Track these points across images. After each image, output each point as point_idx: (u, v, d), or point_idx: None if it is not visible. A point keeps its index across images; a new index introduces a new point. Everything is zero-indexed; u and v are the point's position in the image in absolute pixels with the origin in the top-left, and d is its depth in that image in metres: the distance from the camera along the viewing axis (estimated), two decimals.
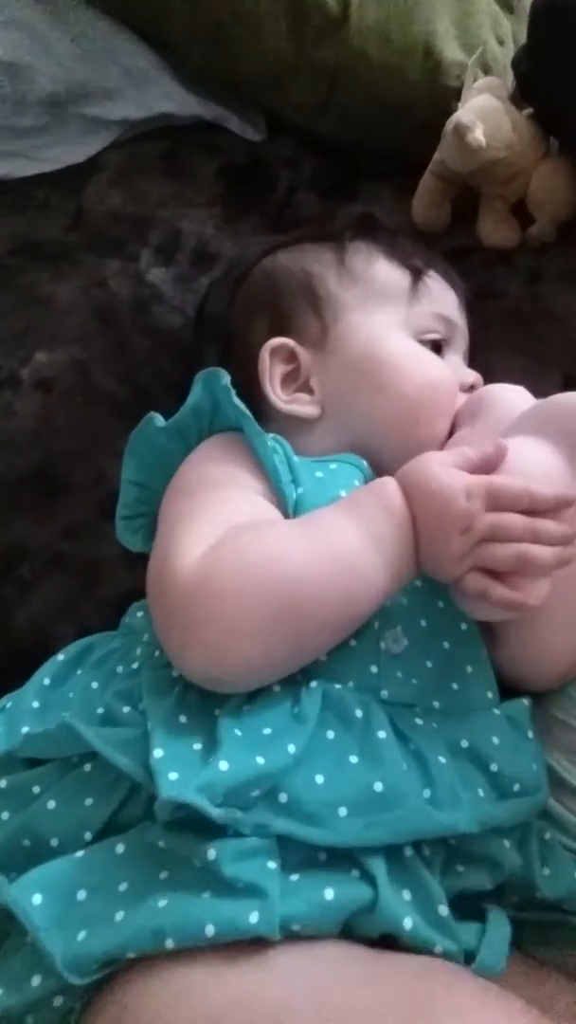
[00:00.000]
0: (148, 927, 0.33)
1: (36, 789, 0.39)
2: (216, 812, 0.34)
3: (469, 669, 0.44)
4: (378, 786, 0.37)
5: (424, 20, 0.64)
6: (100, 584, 0.58)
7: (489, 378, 0.61)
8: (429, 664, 0.43)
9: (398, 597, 0.43)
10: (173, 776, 0.34)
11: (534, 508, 0.39)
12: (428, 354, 0.52)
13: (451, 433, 0.51)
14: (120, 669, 0.44)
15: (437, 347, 0.53)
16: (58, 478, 0.61)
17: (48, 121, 0.73)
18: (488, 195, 0.66)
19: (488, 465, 0.41)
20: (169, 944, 0.32)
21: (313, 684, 0.40)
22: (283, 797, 0.36)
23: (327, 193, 0.71)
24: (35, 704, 0.44)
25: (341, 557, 0.39)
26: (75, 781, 0.38)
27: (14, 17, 0.68)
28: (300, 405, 0.51)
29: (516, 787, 0.41)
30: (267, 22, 0.64)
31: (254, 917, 0.32)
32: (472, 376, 0.53)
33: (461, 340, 0.55)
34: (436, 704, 0.43)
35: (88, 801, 0.38)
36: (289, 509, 0.43)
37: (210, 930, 0.32)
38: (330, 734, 0.38)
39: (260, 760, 0.35)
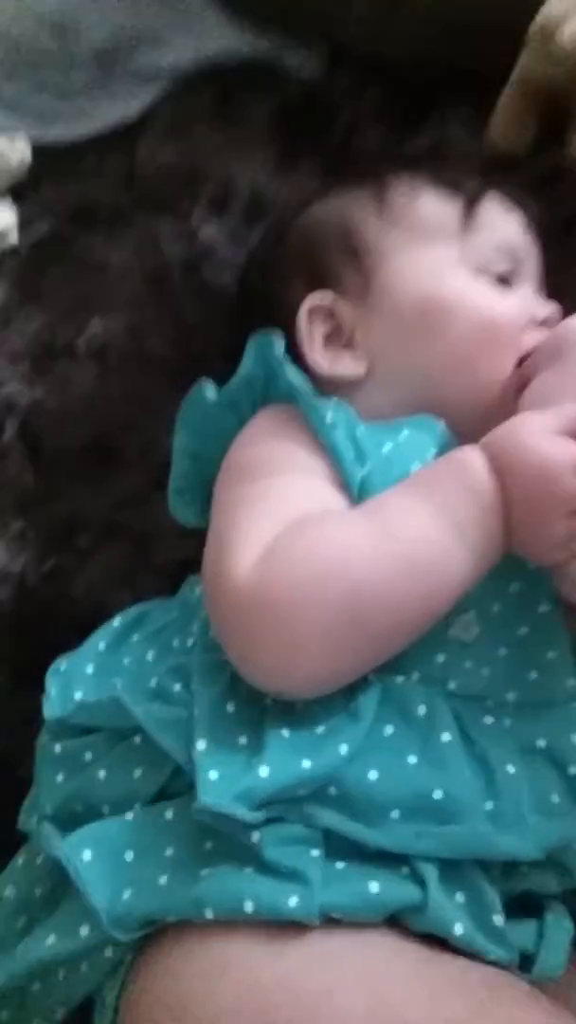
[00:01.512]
0: (189, 895, 0.33)
1: (88, 756, 0.40)
2: (253, 816, 0.33)
3: (550, 655, 0.40)
4: (437, 794, 0.35)
5: None
6: (155, 553, 0.57)
7: None
8: (503, 652, 0.40)
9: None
10: (214, 775, 0.34)
11: None
12: (487, 289, 0.47)
13: (526, 377, 0.45)
14: (176, 643, 0.43)
15: (503, 281, 0.48)
16: (113, 448, 0.61)
17: (99, 77, 0.70)
18: None
19: None
20: (208, 914, 0.33)
21: (371, 677, 0.37)
22: (332, 790, 0.35)
23: (393, 124, 0.65)
24: (89, 669, 0.44)
25: (415, 552, 0.35)
26: (125, 752, 0.38)
27: None
28: (345, 364, 0.47)
29: None
30: None
31: (293, 901, 0.32)
32: (547, 308, 0.47)
33: (531, 269, 0.49)
34: (511, 696, 0.39)
35: (137, 773, 0.38)
36: (354, 492, 0.40)
37: (249, 906, 0.32)
38: (388, 730, 0.36)
39: (306, 764, 0.34)
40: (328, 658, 0.35)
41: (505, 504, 0.35)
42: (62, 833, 0.36)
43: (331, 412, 0.42)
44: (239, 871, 0.33)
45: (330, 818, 0.34)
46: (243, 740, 0.35)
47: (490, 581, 0.38)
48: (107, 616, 0.50)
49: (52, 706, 0.41)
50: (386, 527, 0.36)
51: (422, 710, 0.37)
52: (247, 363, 0.44)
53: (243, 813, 0.33)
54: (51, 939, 0.35)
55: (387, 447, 0.41)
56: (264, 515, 0.38)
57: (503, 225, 0.48)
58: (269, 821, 0.34)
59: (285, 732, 0.35)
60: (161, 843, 0.35)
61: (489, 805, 0.35)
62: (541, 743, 0.38)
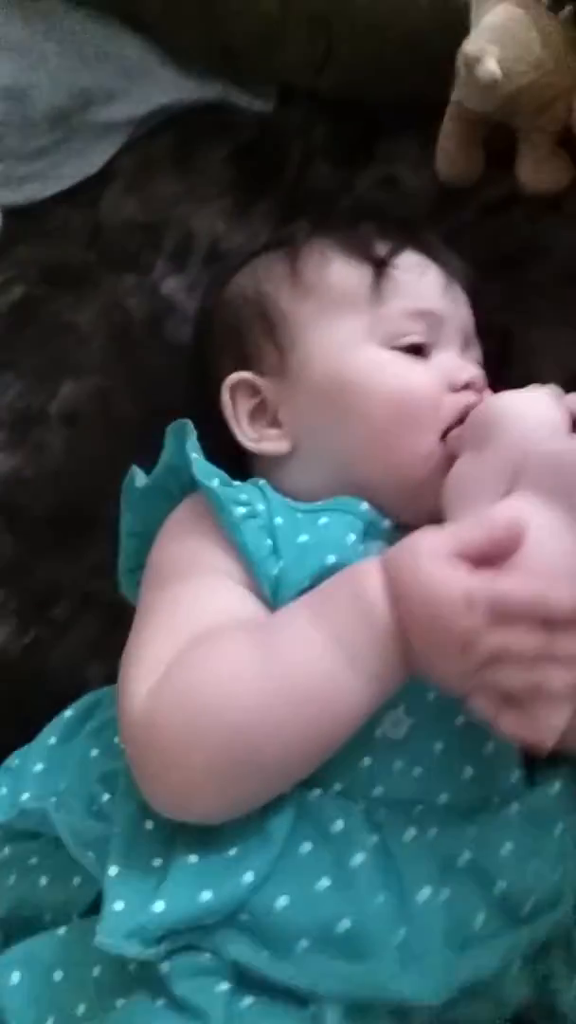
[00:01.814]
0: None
1: (33, 860, 0.41)
2: (148, 954, 0.32)
3: (489, 747, 0.38)
4: (345, 923, 0.33)
5: None
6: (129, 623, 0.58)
7: (532, 358, 0.52)
8: (439, 747, 0.38)
9: None
10: (119, 906, 0.33)
11: (551, 620, 0.31)
12: (398, 362, 0.44)
13: (453, 450, 0.44)
14: (116, 740, 0.42)
15: (417, 349, 0.45)
16: (86, 516, 0.62)
17: (58, 137, 0.71)
18: (524, 130, 0.55)
19: (498, 552, 0.32)
20: None
21: (287, 793, 0.35)
22: (244, 916, 0.33)
23: (342, 160, 0.63)
24: (39, 767, 0.45)
25: (305, 685, 0.33)
26: (65, 859, 0.38)
27: (7, 40, 0.66)
28: (269, 442, 0.46)
29: (528, 906, 0.36)
30: None
31: None
32: (468, 373, 0.45)
33: (454, 329, 0.47)
34: (443, 798, 0.37)
35: (76, 881, 0.38)
36: (267, 591, 0.39)
37: None
38: (305, 847, 0.35)
39: (206, 896, 0.33)
40: (221, 795, 0.34)
41: (402, 631, 0.32)
42: (5, 944, 0.37)
43: (243, 506, 0.40)
44: (151, 1004, 0.32)
45: (238, 950, 0.33)
46: (157, 863, 0.34)
47: None
48: (84, 688, 0.51)
49: (1, 808, 0.42)
50: (274, 654, 0.34)
51: (339, 826, 0.35)
52: (167, 451, 0.44)
53: (137, 952, 0.32)
54: None
55: (303, 538, 0.40)
56: (166, 631, 0.37)
57: (417, 288, 0.46)
58: (184, 948, 0.33)
59: (193, 857, 0.34)
60: (89, 962, 0.34)
61: (401, 933, 0.33)
62: (466, 857, 0.35)
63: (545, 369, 0.54)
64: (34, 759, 0.45)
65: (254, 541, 0.39)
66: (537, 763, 0.40)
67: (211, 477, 0.42)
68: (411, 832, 0.36)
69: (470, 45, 0.49)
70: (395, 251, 0.46)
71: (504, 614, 0.31)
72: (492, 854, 0.36)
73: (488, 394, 0.45)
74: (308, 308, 0.46)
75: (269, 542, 0.40)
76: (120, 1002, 0.33)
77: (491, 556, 0.32)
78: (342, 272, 0.46)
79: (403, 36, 0.56)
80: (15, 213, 0.72)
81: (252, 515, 0.41)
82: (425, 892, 0.34)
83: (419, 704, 0.38)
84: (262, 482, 0.44)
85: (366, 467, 0.43)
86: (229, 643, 0.36)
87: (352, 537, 0.41)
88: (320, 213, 0.56)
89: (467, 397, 0.43)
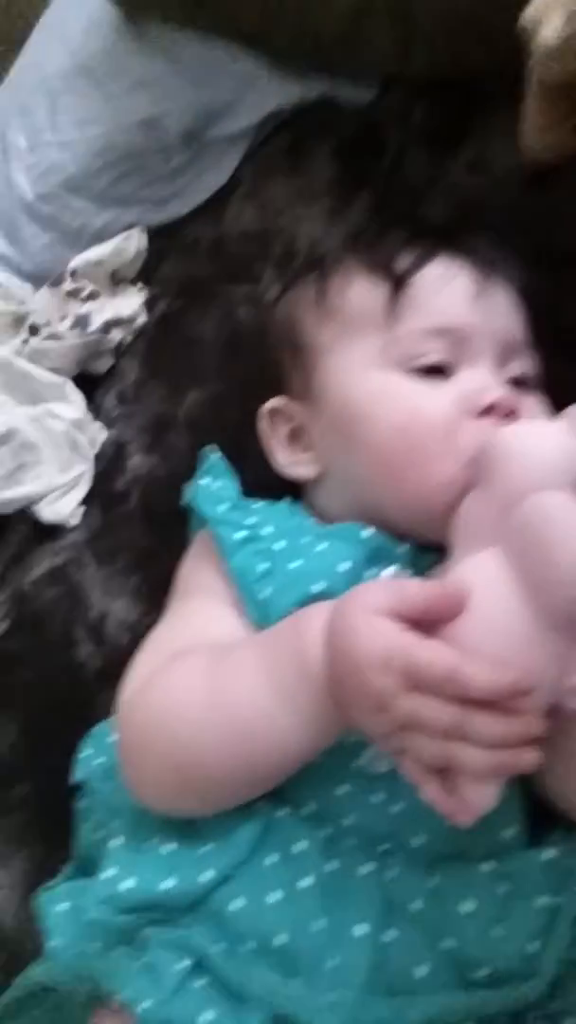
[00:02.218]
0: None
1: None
2: (117, 921, 0.36)
3: None
4: (281, 939, 0.34)
5: None
6: None
7: None
8: None
9: None
10: (109, 873, 0.37)
11: (466, 696, 0.30)
12: (408, 386, 0.42)
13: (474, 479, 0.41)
14: None
15: (435, 371, 0.42)
16: None
17: (190, 156, 0.77)
18: None
19: (437, 617, 0.32)
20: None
21: (258, 805, 0.37)
22: (208, 909, 0.36)
23: (438, 144, 0.60)
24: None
25: (242, 718, 0.35)
26: None
27: (141, 77, 0.73)
28: (301, 466, 0.47)
29: (484, 971, 0.34)
30: None
31: (146, 1004, 0.34)
32: (492, 394, 0.41)
33: (485, 344, 0.43)
34: (417, 841, 0.37)
35: None
36: (254, 615, 0.41)
37: (120, 995, 0.35)
38: (271, 859, 0.37)
39: (169, 883, 0.36)
40: (163, 800, 0.37)
41: (329, 687, 0.32)
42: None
43: (245, 530, 0.42)
44: (131, 961, 0.35)
45: (200, 936, 0.35)
46: (152, 842, 0.37)
47: None
48: None
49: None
50: (221, 685, 0.36)
51: (300, 847, 0.36)
52: (196, 478, 0.47)
53: (106, 917, 0.36)
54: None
55: (296, 563, 0.41)
56: (158, 643, 0.41)
57: (437, 304, 0.43)
58: (165, 920, 0.36)
59: (172, 846, 0.37)
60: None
61: (333, 961, 0.34)
62: (417, 906, 0.35)
63: None
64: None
65: (246, 565, 0.41)
66: (548, 824, 0.38)
67: (216, 503, 0.44)
68: (368, 867, 0.36)
69: (526, 13, 0.43)
70: (417, 265, 0.43)
71: (418, 681, 0.30)
72: (447, 909, 0.35)
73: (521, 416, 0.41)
74: (329, 331, 0.45)
75: (264, 566, 0.41)
76: (118, 951, 0.37)
77: (430, 619, 0.32)
78: (361, 292, 0.44)
79: (479, 8, 0.51)
80: (161, 233, 0.80)
81: (252, 539, 0.43)
82: (362, 928, 0.34)
83: None
84: (287, 503, 0.46)
85: (380, 494, 0.43)
86: (190, 666, 0.38)
87: (346, 565, 0.41)
88: (361, 227, 0.55)
89: (489, 424, 0.40)
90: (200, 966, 0.36)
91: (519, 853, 0.37)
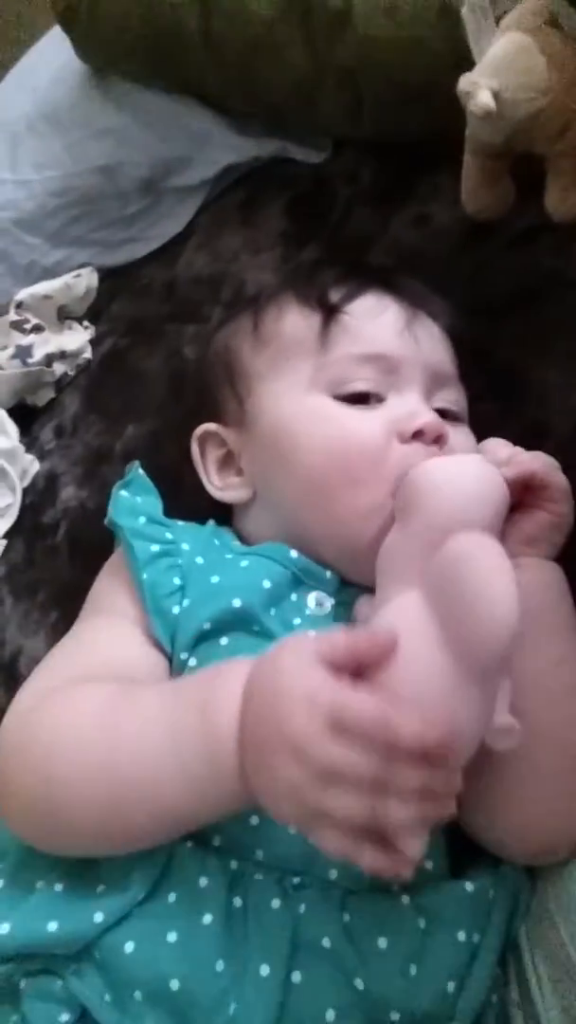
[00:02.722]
0: None
1: None
2: None
3: None
4: (175, 983, 0.32)
5: None
6: None
7: (543, 402, 0.48)
8: None
9: None
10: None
11: (392, 748, 0.28)
12: (334, 412, 0.42)
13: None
14: None
15: (364, 398, 0.43)
16: None
17: (147, 204, 0.79)
18: (551, 156, 0.51)
19: (367, 662, 0.31)
20: None
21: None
22: (98, 955, 0.33)
23: (382, 201, 0.63)
24: None
25: (128, 769, 0.32)
26: None
27: (104, 126, 0.75)
28: (232, 490, 0.47)
29: (396, 1016, 0.32)
30: (279, 41, 0.60)
31: None
32: (420, 420, 0.41)
33: (413, 373, 0.43)
34: (333, 875, 0.35)
35: None
36: (159, 630, 0.39)
37: None
38: (171, 897, 0.34)
39: (52, 926, 0.33)
40: (32, 834, 0.35)
41: (240, 740, 0.30)
42: None
43: (160, 544, 0.41)
44: (6, 1018, 0.33)
45: (84, 987, 0.32)
46: (39, 885, 0.35)
47: None
48: None
49: None
50: (115, 729, 0.33)
51: (203, 882, 0.34)
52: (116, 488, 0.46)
53: None
54: None
55: (215, 578, 0.40)
56: (56, 661, 0.40)
57: (368, 332, 0.43)
58: (44, 971, 0.33)
59: (59, 887, 0.34)
60: None
61: (231, 1009, 0.31)
62: (326, 942, 0.33)
63: (554, 414, 0.49)
64: None
65: (157, 579, 0.40)
66: (472, 858, 0.37)
67: (134, 515, 0.43)
68: (277, 902, 0.34)
69: (462, 80, 0.47)
70: (349, 296, 0.44)
71: (342, 728, 0.28)
72: (358, 947, 0.33)
73: (450, 442, 0.42)
74: (263, 359, 0.46)
75: (177, 581, 0.40)
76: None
77: (359, 667, 0.30)
78: (295, 321, 0.45)
79: (422, 76, 0.55)
80: (114, 274, 0.81)
81: (166, 553, 0.41)
82: (267, 968, 0.32)
83: None
84: (211, 525, 0.45)
85: (308, 519, 0.42)
86: (86, 697, 0.36)
87: (268, 584, 0.40)
88: (314, 264, 0.57)
89: (417, 449, 0.40)
90: (84, 1019, 0.32)
91: (439, 885, 0.35)
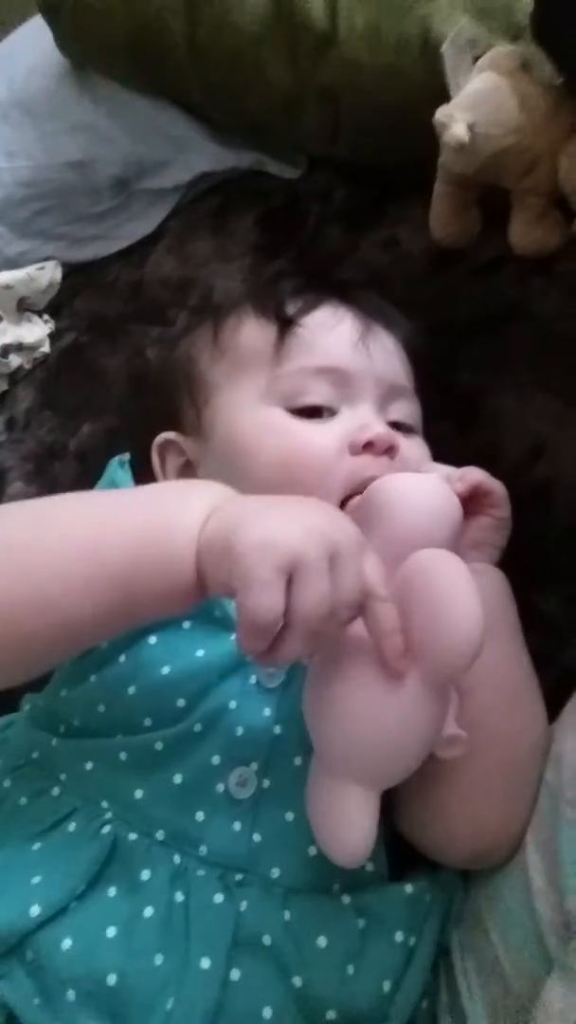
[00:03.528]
0: None
1: None
2: None
3: None
4: (112, 979, 0.31)
5: (421, 3, 0.54)
6: None
7: (498, 424, 0.50)
8: (290, 817, 0.35)
9: (265, 722, 0.36)
10: None
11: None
12: (286, 424, 0.43)
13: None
14: None
15: (317, 411, 0.43)
16: None
17: (118, 203, 0.78)
18: (517, 191, 0.53)
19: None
20: None
21: (105, 830, 0.35)
22: (30, 954, 0.33)
23: (353, 222, 0.64)
24: None
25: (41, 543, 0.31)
26: None
27: (80, 121, 0.75)
28: None
29: (332, 1014, 0.32)
30: (264, 56, 0.61)
31: None
32: (370, 432, 0.41)
33: (367, 386, 0.44)
34: (276, 873, 0.35)
35: None
36: None
37: None
38: (111, 891, 0.34)
39: None
40: None
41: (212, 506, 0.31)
42: None
43: None
44: None
45: (11, 990, 0.32)
46: None
47: (296, 727, 0.35)
48: None
49: None
50: (48, 505, 0.33)
51: (145, 875, 0.34)
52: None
53: None
54: None
55: None
56: None
57: (322, 345, 0.44)
58: None
59: None
60: None
61: (169, 1004, 0.31)
62: (266, 940, 0.33)
63: (510, 435, 0.50)
64: None
65: None
66: (411, 861, 0.37)
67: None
68: (219, 898, 0.34)
69: (439, 111, 0.48)
70: (305, 309, 0.45)
71: (338, 553, 0.30)
72: (298, 945, 0.33)
73: (402, 454, 0.43)
74: (220, 369, 0.46)
75: None
76: None
77: None
78: (252, 332, 0.46)
79: (401, 102, 0.56)
80: (79, 269, 0.80)
81: None
82: (206, 963, 0.32)
83: (281, 767, 0.35)
84: None
85: None
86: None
87: None
88: (276, 276, 0.58)
89: (368, 461, 0.41)
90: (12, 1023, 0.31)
91: (379, 887, 0.35)
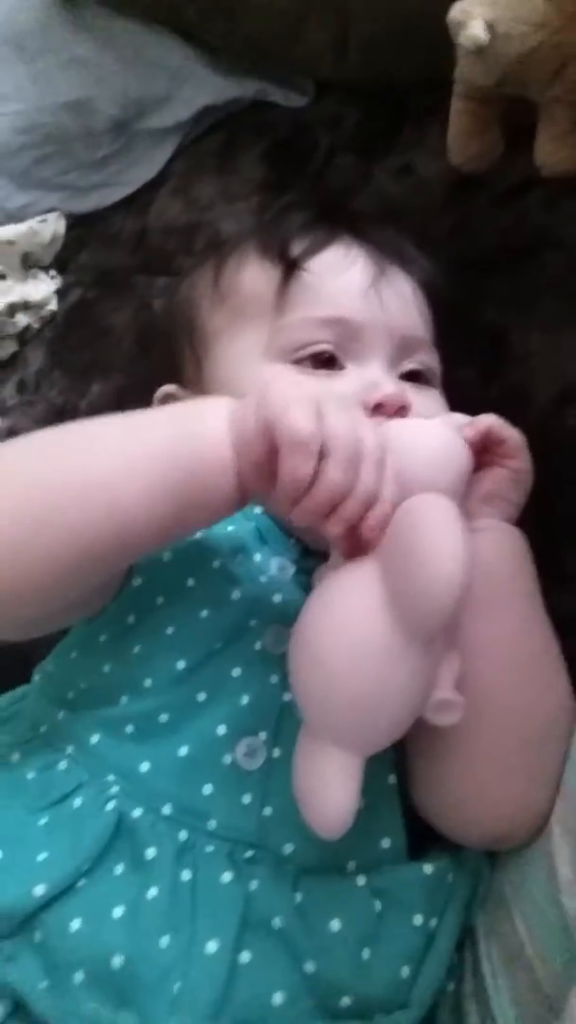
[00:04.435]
0: None
1: None
2: None
3: (363, 801, 0.32)
4: (118, 960, 0.30)
5: None
6: None
7: (527, 365, 0.46)
8: None
9: (273, 689, 0.35)
10: None
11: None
12: (295, 377, 0.39)
13: None
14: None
15: (324, 361, 0.40)
16: None
17: (119, 146, 0.74)
18: (544, 102, 0.48)
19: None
20: None
21: (110, 806, 0.33)
22: (38, 935, 0.31)
23: (366, 150, 0.60)
24: None
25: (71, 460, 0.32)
26: None
27: (73, 55, 0.70)
28: None
29: (348, 1000, 0.31)
30: None
31: None
32: (381, 392, 0.38)
33: (378, 338, 0.40)
34: (288, 849, 0.33)
35: None
36: None
37: None
38: (118, 869, 0.32)
39: None
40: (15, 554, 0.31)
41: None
42: None
43: None
44: None
45: (19, 974, 0.30)
46: None
47: None
48: None
49: None
50: (81, 429, 0.34)
51: (151, 853, 0.32)
52: None
53: None
54: None
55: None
56: None
57: (328, 293, 0.40)
58: None
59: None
60: None
61: (176, 985, 0.30)
62: (277, 923, 0.31)
63: (539, 378, 0.46)
64: None
65: None
66: (432, 841, 0.35)
67: None
68: (227, 876, 0.32)
69: (454, 8, 0.43)
70: (312, 250, 0.41)
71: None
72: (310, 928, 0.31)
73: (415, 412, 0.39)
74: (221, 317, 0.43)
75: None
76: None
77: None
78: (254, 276, 0.42)
79: (416, 13, 0.50)
80: (82, 220, 0.76)
81: None
82: (214, 945, 0.31)
83: (290, 736, 0.33)
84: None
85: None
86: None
87: (230, 527, 0.39)
88: (284, 208, 0.53)
89: (378, 423, 0.37)
90: (20, 1009, 0.31)
91: (396, 867, 0.33)
